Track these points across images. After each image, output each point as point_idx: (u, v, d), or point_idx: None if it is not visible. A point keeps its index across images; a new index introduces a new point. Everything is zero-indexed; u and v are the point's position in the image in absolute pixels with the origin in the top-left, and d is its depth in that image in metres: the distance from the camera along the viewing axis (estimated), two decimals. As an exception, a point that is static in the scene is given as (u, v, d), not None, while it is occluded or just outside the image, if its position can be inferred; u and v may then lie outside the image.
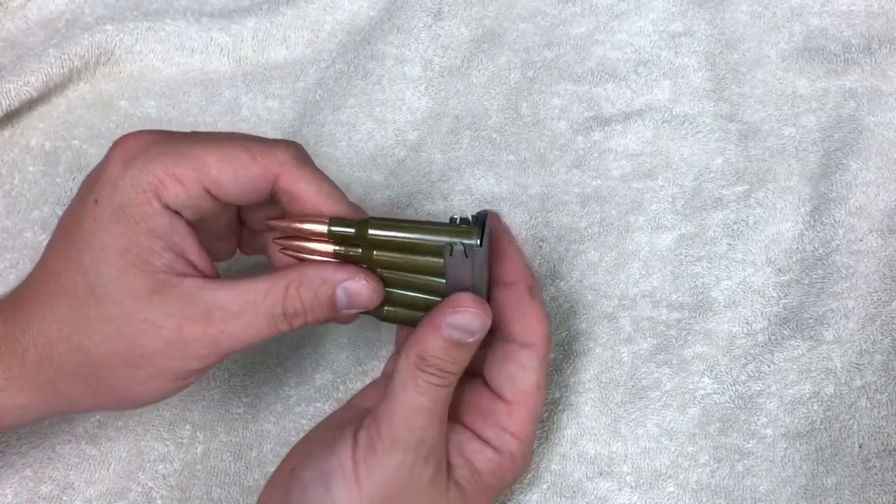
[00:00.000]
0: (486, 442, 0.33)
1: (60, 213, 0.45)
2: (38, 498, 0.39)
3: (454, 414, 0.34)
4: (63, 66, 0.48)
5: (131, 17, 0.50)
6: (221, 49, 0.50)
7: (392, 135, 0.48)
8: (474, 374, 0.35)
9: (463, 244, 0.30)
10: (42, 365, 0.30)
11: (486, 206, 0.45)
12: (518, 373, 0.33)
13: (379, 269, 0.33)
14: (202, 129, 0.48)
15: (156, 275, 0.29)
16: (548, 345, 0.34)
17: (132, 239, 0.29)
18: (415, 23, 0.51)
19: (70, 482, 0.40)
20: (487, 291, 0.34)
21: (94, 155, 0.47)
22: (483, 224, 0.31)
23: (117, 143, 0.30)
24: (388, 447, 0.31)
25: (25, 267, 0.44)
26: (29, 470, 0.40)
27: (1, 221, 0.45)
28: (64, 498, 0.39)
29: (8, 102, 0.47)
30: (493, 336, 0.34)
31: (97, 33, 0.49)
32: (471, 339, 0.31)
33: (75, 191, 0.46)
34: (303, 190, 0.31)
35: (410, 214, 0.45)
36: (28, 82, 0.47)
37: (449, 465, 0.33)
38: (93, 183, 0.30)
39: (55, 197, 0.46)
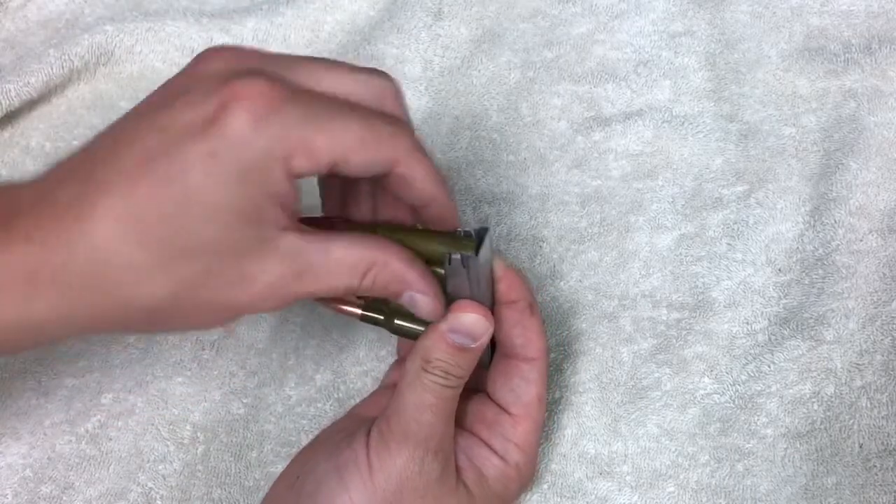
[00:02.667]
0: (493, 450, 0.34)
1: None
2: (39, 498, 0.39)
3: (462, 424, 0.35)
4: (63, 67, 0.48)
5: (131, 18, 0.50)
6: (221, 49, 0.50)
7: (392, 135, 0.48)
8: (477, 389, 0.36)
9: (461, 255, 0.31)
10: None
11: (486, 207, 0.46)
12: (521, 386, 0.34)
13: None
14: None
15: (263, 230, 0.28)
16: (547, 359, 0.35)
17: (251, 200, 0.27)
18: (415, 23, 0.51)
19: (70, 482, 0.40)
20: (492, 309, 0.35)
21: (95, 155, 0.47)
22: (481, 238, 0.32)
23: (240, 92, 0.27)
24: (399, 440, 0.32)
25: (25, 267, 0.44)
26: (29, 470, 0.40)
27: (1, 222, 0.45)
28: (64, 498, 0.39)
29: (8, 103, 0.47)
30: (496, 353, 0.36)
31: (97, 34, 0.49)
32: (474, 345, 0.32)
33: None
34: (418, 178, 0.31)
35: (410, 214, 0.46)
36: (28, 83, 0.47)
37: (457, 467, 0.34)
38: (206, 132, 0.27)
39: (55, 197, 0.46)
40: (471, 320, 0.32)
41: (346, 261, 0.30)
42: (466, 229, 0.33)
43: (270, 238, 0.28)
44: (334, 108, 0.29)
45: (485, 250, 0.32)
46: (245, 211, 0.28)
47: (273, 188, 0.28)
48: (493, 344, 0.35)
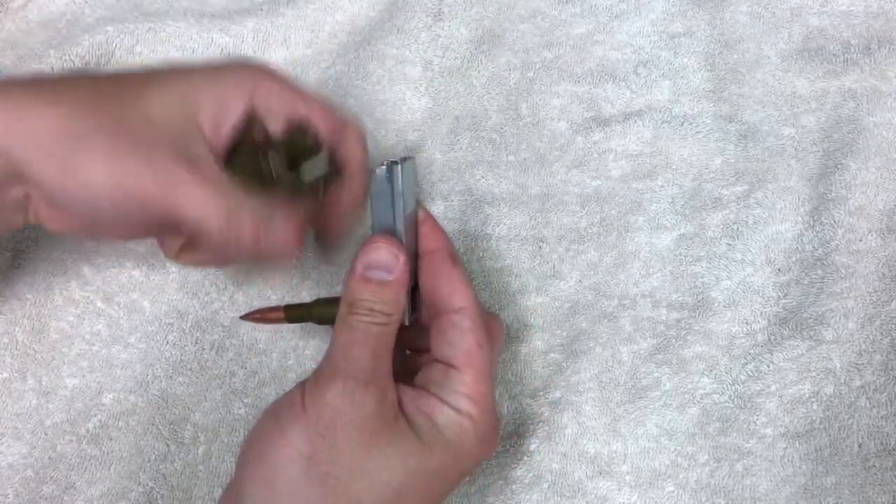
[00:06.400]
0: (443, 401, 0.34)
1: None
2: (40, 498, 0.39)
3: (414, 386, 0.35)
4: (64, 67, 0.48)
5: (132, 18, 0.50)
6: (222, 50, 0.50)
7: (392, 135, 0.48)
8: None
9: (386, 163, 0.32)
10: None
11: (486, 207, 0.46)
12: (457, 336, 0.35)
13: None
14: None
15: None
16: (478, 306, 0.35)
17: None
18: (415, 23, 0.51)
19: (72, 482, 0.40)
20: (415, 260, 0.36)
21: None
22: (405, 158, 0.33)
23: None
24: (329, 376, 0.32)
25: (28, 265, 0.44)
26: (30, 470, 0.40)
27: (2, 222, 0.45)
28: (65, 498, 0.39)
29: (9, 103, 0.47)
30: (420, 310, 0.36)
31: (98, 34, 0.49)
32: (390, 277, 0.33)
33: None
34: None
35: (411, 215, 0.46)
36: (29, 83, 0.47)
37: (406, 414, 0.34)
38: None
39: (56, 198, 0.46)
40: (381, 253, 0.33)
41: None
42: (391, 160, 0.34)
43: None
44: None
45: (409, 174, 0.33)
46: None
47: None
48: (415, 299, 0.36)
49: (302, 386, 0.33)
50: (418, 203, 0.35)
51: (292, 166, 0.36)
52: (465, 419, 0.34)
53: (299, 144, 0.36)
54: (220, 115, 0.35)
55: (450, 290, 0.35)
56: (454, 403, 0.34)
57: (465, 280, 0.35)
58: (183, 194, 0.33)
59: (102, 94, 0.33)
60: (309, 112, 0.37)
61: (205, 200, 0.33)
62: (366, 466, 0.32)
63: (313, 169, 0.36)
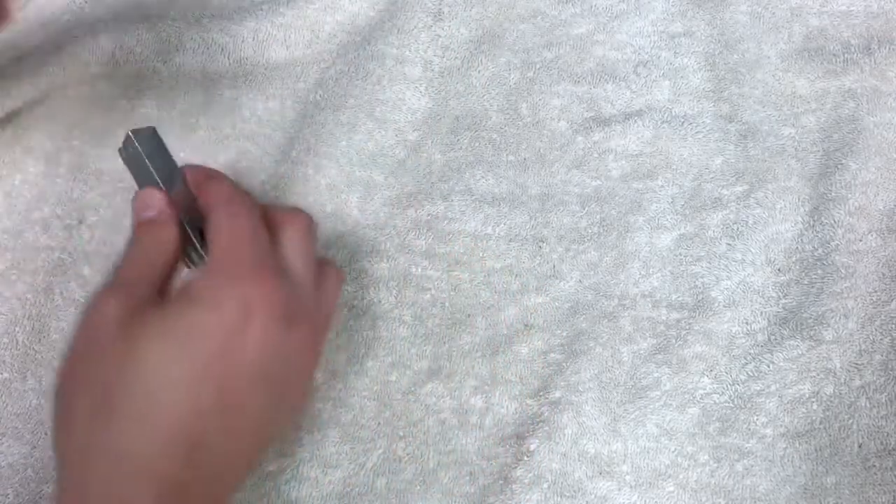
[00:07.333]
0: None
1: (61, 213, 0.46)
2: (40, 498, 0.39)
3: None
4: (63, 67, 0.48)
5: (131, 18, 0.50)
6: (222, 49, 0.50)
7: (392, 135, 0.48)
8: None
9: (128, 134, 0.35)
10: None
11: (486, 207, 0.46)
12: (211, 229, 0.34)
13: None
14: (202, 129, 0.48)
15: None
16: (221, 179, 0.37)
17: None
18: (415, 23, 0.51)
19: (71, 482, 0.40)
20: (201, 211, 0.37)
21: (94, 156, 0.47)
22: (140, 130, 0.36)
23: None
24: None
25: (26, 267, 0.44)
26: (31, 470, 0.40)
27: (1, 222, 0.45)
28: (65, 498, 0.39)
29: (9, 103, 0.47)
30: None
31: (97, 34, 0.49)
32: (155, 210, 0.35)
33: (76, 191, 0.46)
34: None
35: (410, 215, 0.46)
36: (29, 83, 0.47)
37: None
38: None
39: (55, 197, 0.46)
40: (145, 199, 0.35)
41: None
42: (129, 131, 0.36)
43: None
44: None
45: (151, 144, 0.36)
46: None
47: None
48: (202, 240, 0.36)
49: None
50: (183, 168, 0.37)
51: None
52: (206, 270, 0.33)
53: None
54: None
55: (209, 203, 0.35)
56: (202, 268, 0.34)
57: (218, 184, 0.36)
58: None
59: None
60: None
61: None
62: (140, 368, 0.31)
63: None
